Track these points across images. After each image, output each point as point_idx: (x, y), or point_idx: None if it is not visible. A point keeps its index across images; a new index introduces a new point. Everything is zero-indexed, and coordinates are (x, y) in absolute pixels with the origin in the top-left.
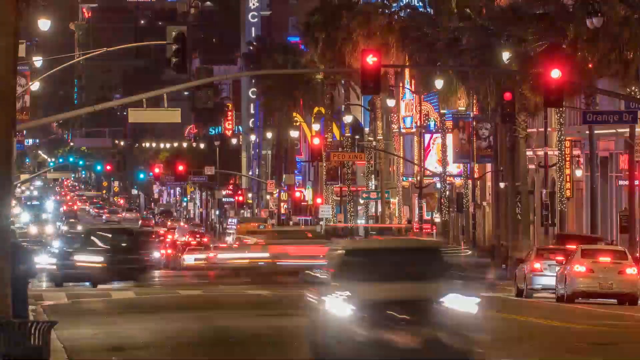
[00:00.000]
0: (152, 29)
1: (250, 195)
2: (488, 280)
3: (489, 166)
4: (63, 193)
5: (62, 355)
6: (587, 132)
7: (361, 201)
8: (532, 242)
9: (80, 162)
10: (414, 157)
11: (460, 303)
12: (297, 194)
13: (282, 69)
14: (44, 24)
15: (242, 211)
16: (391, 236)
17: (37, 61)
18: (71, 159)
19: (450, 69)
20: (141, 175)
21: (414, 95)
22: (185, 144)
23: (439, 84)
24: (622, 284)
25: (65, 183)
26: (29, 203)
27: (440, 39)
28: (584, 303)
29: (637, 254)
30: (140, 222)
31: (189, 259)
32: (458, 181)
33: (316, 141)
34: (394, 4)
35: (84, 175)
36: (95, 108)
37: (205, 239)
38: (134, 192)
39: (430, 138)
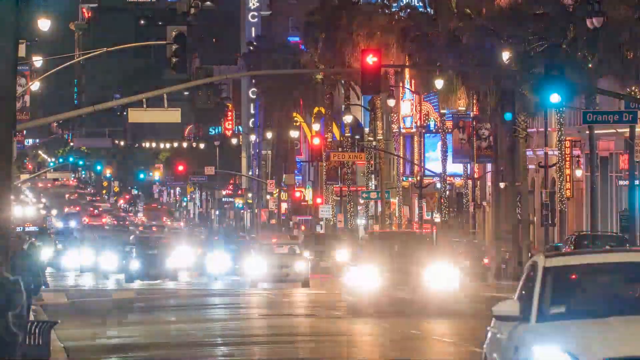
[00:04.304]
0: (152, 29)
1: (250, 195)
2: None
3: (489, 166)
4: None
5: (62, 355)
6: (587, 132)
7: (361, 201)
8: (532, 242)
9: (80, 162)
10: (414, 157)
11: None
12: (297, 194)
13: (282, 69)
14: (44, 24)
15: (242, 210)
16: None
17: (37, 61)
18: (71, 159)
19: (450, 69)
20: (141, 175)
21: (414, 95)
22: (185, 144)
23: (439, 84)
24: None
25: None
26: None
27: (440, 39)
28: None
29: None
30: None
31: None
32: (458, 181)
33: (316, 141)
34: (394, 4)
35: (84, 175)
36: (95, 108)
37: None
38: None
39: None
